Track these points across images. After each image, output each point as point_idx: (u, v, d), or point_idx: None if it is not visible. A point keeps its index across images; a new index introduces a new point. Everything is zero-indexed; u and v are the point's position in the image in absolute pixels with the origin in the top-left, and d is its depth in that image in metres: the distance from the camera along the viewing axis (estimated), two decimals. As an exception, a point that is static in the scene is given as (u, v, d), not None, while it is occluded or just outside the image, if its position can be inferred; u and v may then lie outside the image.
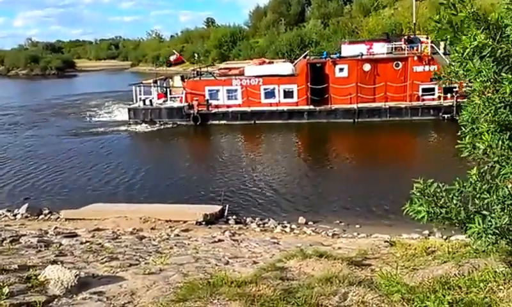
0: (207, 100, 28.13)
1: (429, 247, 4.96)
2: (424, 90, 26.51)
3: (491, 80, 2.69)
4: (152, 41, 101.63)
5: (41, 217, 12.86)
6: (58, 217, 12.58)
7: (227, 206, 13.24)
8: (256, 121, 27.55)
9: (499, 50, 2.66)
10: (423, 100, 26.69)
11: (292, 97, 27.62)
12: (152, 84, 30.82)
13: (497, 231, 2.58)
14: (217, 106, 28.21)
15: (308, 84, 27.15)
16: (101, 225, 10.69)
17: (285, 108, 27.42)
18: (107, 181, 17.50)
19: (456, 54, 2.77)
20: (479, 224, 2.60)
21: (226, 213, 12.86)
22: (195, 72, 31.21)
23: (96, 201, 14.10)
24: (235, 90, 28.12)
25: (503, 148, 2.72)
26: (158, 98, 29.99)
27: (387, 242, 6.69)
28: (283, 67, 28.98)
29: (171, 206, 13.23)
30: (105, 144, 24.76)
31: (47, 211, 13.36)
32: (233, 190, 15.45)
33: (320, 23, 63.33)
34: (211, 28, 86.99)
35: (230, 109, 28.04)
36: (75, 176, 18.24)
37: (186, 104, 28.25)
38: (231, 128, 27.19)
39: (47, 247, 6.43)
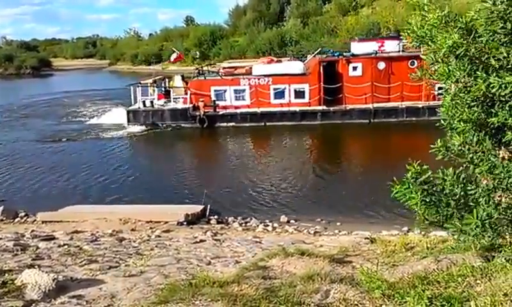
0: (214, 101, 26.69)
1: (408, 243, 5.06)
2: (440, 89, 25.84)
3: (462, 80, 2.75)
4: (130, 40, 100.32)
5: (17, 219, 12.48)
6: (35, 220, 12.23)
7: (209, 206, 13.17)
8: (267, 123, 26.29)
9: (472, 49, 2.73)
10: (439, 99, 25.79)
11: (303, 97, 26.52)
12: (150, 84, 29.23)
13: (491, 226, 2.57)
14: (224, 107, 26.79)
15: (321, 83, 26.11)
16: (79, 227, 10.48)
17: (297, 109, 26.30)
18: (87, 183, 17.08)
19: (430, 54, 2.82)
20: (477, 217, 2.57)
21: (208, 213, 12.78)
22: (197, 71, 29.77)
23: (75, 203, 13.80)
24: (243, 90, 26.79)
25: (478, 145, 2.78)
26: (158, 99, 28.40)
27: (368, 238, 6.80)
28: (293, 66, 27.85)
29: (151, 207, 13.05)
30: (88, 146, 23.78)
31: (23, 213, 12.95)
32: (217, 191, 15.28)
33: (300, 22, 63.80)
34: (191, 27, 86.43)
35: (239, 111, 26.67)
36: (52, 179, 17.78)
37: (191, 105, 26.66)
38: (239, 131, 25.91)
39: (23, 251, 6.29)
